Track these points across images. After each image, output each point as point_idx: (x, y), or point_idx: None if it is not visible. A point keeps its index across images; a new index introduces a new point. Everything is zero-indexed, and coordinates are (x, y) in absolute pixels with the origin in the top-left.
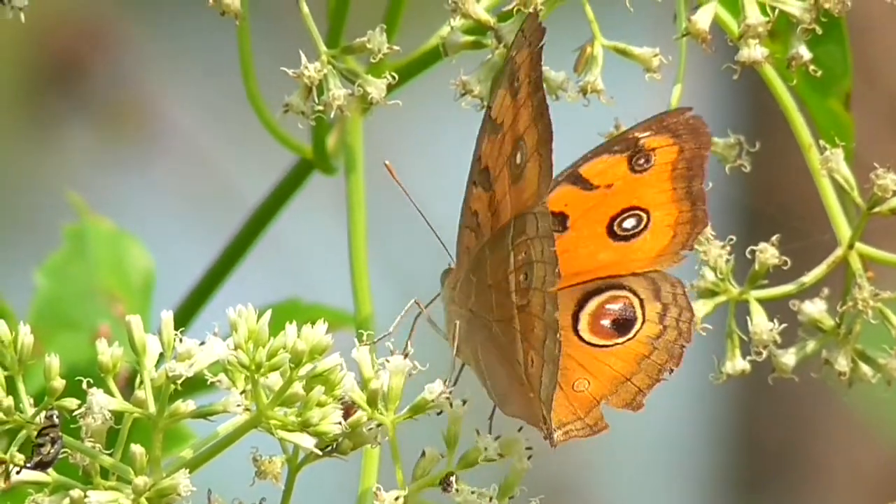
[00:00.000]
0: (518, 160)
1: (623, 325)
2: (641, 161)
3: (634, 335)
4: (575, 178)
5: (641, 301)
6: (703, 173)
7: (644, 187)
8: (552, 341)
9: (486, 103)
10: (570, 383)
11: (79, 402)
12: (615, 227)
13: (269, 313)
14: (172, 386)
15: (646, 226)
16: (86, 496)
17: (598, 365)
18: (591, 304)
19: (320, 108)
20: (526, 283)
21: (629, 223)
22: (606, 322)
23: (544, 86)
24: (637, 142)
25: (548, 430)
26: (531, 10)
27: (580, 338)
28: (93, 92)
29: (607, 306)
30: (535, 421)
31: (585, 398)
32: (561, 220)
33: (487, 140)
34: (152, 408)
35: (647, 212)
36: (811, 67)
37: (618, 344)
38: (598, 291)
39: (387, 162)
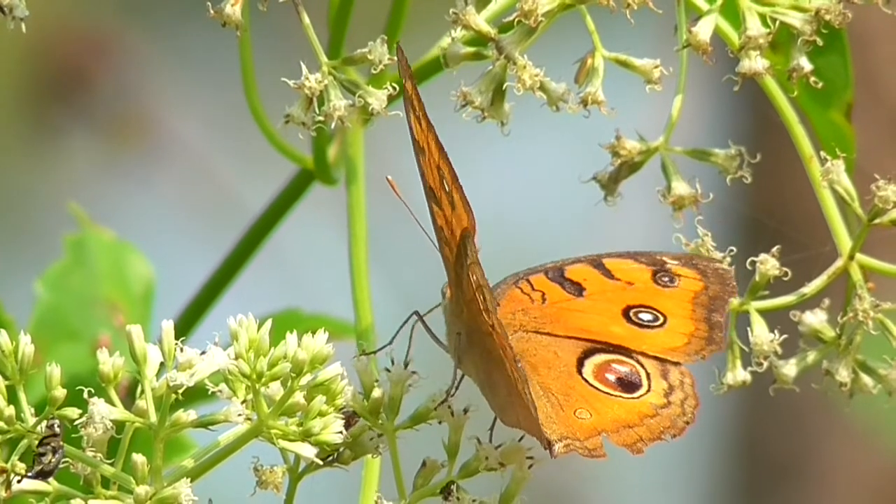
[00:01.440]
0: (446, 188)
1: (627, 385)
2: (666, 279)
3: (639, 397)
4: (597, 264)
5: (648, 374)
6: (725, 311)
7: (665, 298)
8: (513, 366)
9: (485, 114)
10: (573, 409)
11: (80, 411)
12: (631, 314)
13: (269, 323)
14: (173, 395)
15: (662, 325)
16: None
17: (601, 405)
18: (598, 358)
19: (321, 118)
20: (484, 304)
21: (645, 317)
22: (611, 377)
23: (524, 93)
24: (664, 264)
25: (546, 440)
26: (532, 22)
27: (584, 378)
28: (95, 103)
29: (614, 365)
30: (535, 432)
31: (586, 426)
32: (578, 288)
33: (421, 159)
34: (153, 417)
35: (665, 315)
36: (812, 79)
37: (622, 397)
38: (606, 352)
39: (388, 177)
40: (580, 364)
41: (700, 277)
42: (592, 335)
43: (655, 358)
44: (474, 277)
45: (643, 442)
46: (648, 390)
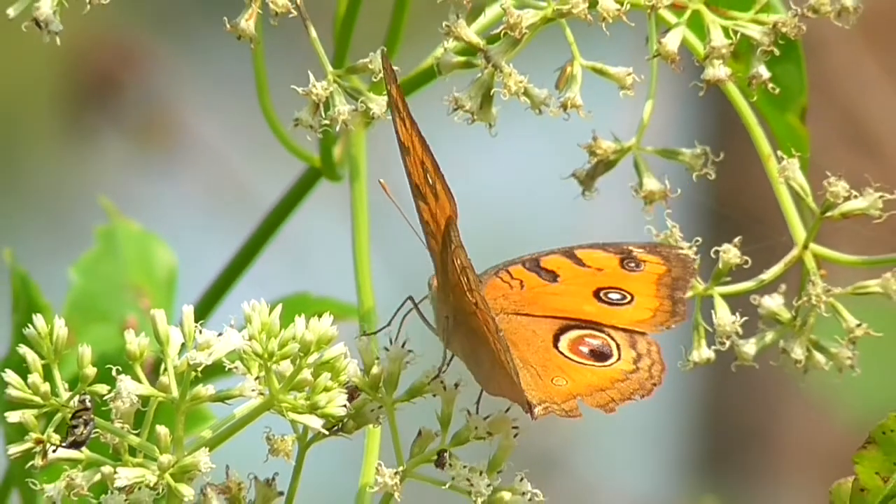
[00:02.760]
0: (430, 181)
1: (599, 356)
2: (632, 265)
3: (610, 366)
4: (569, 254)
5: (618, 345)
6: (687, 290)
7: (632, 280)
8: (497, 339)
9: (475, 117)
10: (550, 378)
11: (109, 387)
12: (601, 294)
13: (280, 307)
14: (193, 373)
15: (629, 302)
16: (115, 472)
17: (575, 373)
18: (573, 333)
19: (327, 122)
20: (468, 285)
21: (614, 296)
22: (585, 349)
23: (509, 98)
24: (630, 252)
25: (527, 404)
26: (517, 34)
27: (560, 352)
28: (125, 106)
29: (587, 339)
30: (517, 398)
31: (563, 391)
32: (553, 276)
33: (406, 158)
34: (175, 392)
35: (632, 294)
36: (770, 85)
37: (594, 365)
38: (580, 328)
39: (381, 180)
40: (556, 339)
41: (663, 262)
42: (566, 314)
43: (624, 330)
44: (458, 261)
45: (615, 402)
46: (619, 359)
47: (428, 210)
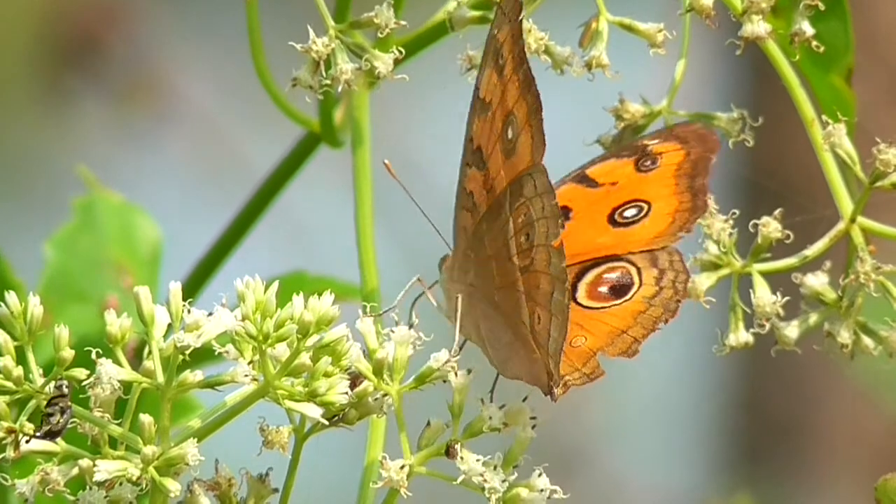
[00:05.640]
0: (510, 135)
1: (620, 290)
2: (648, 163)
3: (631, 297)
4: (581, 178)
5: (639, 269)
6: (708, 172)
7: (648, 184)
8: (560, 293)
9: None
10: (568, 340)
11: (88, 372)
12: (616, 216)
13: (276, 284)
14: (180, 356)
15: (646, 214)
16: (94, 465)
17: (594, 323)
18: (589, 276)
19: (328, 82)
20: (528, 243)
21: (630, 212)
22: (604, 289)
23: (528, 58)
24: (645, 147)
25: (553, 384)
26: None
27: (578, 303)
28: (107, 67)
29: (605, 276)
30: (537, 379)
31: (583, 351)
32: (564, 212)
33: (478, 120)
34: (161, 378)
35: (648, 203)
36: (814, 43)
37: (615, 305)
38: (596, 265)
39: (386, 161)
40: (573, 290)
41: (680, 146)
42: (581, 254)
43: (642, 252)
44: (542, 206)
45: (637, 342)
46: (640, 285)
47: (481, 178)
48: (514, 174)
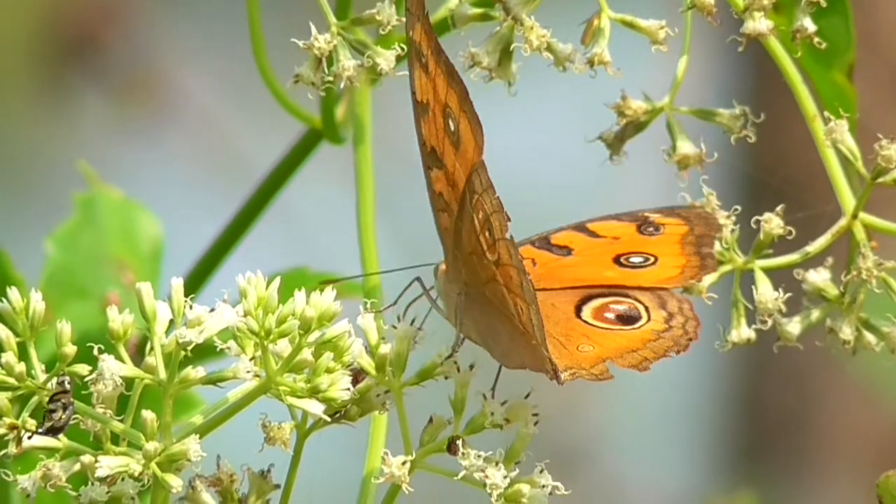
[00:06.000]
0: (451, 126)
1: (627, 319)
2: (651, 230)
3: (639, 328)
4: (581, 228)
5: (646, 307)
6: (713, 245)
7: (652, 245)
8: (525, 281)
9: (493, 75)
10: (575, 346)
11: (90, 368)
12: (622, 260)
13: (278, 280)
14: (182, 352)
15: (653, 264)
16: (96, 461)
17: (602, 338)
18: (595, 302)
19: (330, 78)
20: (491, 238)
21: (636, 259)
22: (611, 315)
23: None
24: (647, 218)
25: (552, 369)
26: None
27: (583, 321)
28: (106, 63)
29: (612, 305)
30: (540, 366)
31: (590, 356)
32: (566, 250)
33: (423, 122)
34: (163, 374)
35: (655, 257)
36: (815, 40)
37: (623, 329)
38: (603, 295)
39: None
40: (578, 310)
41: (683, 223)
42: (587, 282)
43: (651, 290)
44: (482, 211)
45: (648, 361)
46: (648, 320)
47: (443, 177)
48: (467, 163)
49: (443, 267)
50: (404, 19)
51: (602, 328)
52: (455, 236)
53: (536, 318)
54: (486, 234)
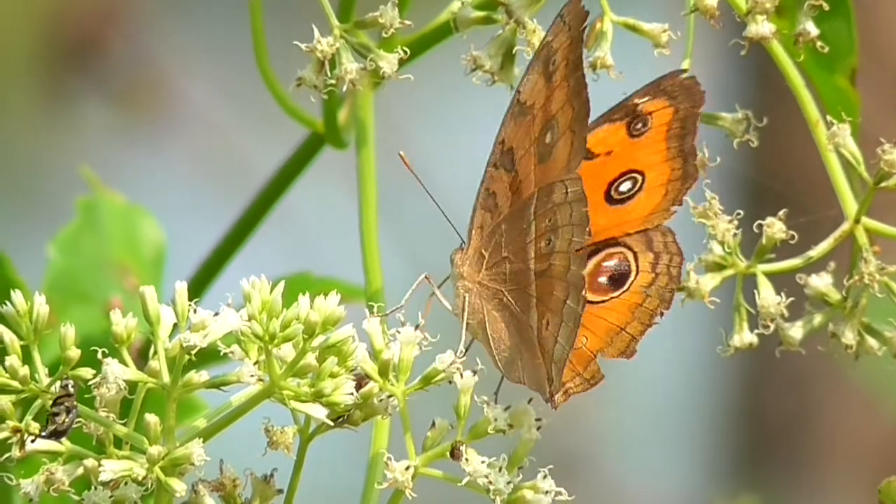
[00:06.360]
0: (548, 139)
1: (619, 279)
2: (639, 125)
3: (629, 287)
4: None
5: (635, 254)
6: (696, 130)
7: (640, 150)
8: (575, 301)
9: (495, 78)
10: None
11: (94, 372)
12: (612, 192)
13: (282, 285)
14: (186, 356)
15: (640, 187)
16: (100, 465)
17: (594, 320)
18: (589, 265)
19: (332, 81)
20: (548, 248)
21: (625, 186)
22: (603, 279)
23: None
24: (635, 107)
25: (554, 390)
26: None
27: None
28: (109, 68)
29: (604, 264)
30: (539, 385)
31: (583, 354)
32: None
33: (514, 122)
34: (166, 378)
35: (642, 174)
36: (818, 44)
37: (613, 298)
38: (595, 252)
39: (401, 152)
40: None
41: (669, 102)
42: None
43: (638, 233)
44: (571, 213)
45: (634, 340)
46: (637, 272)
47: (507, 179)
48: (545, 179)
49: (459, 257)
50: (550, 23)
51: (595, 303)
52: (489, 238)
53: (566, 341)
54: (544, 242)
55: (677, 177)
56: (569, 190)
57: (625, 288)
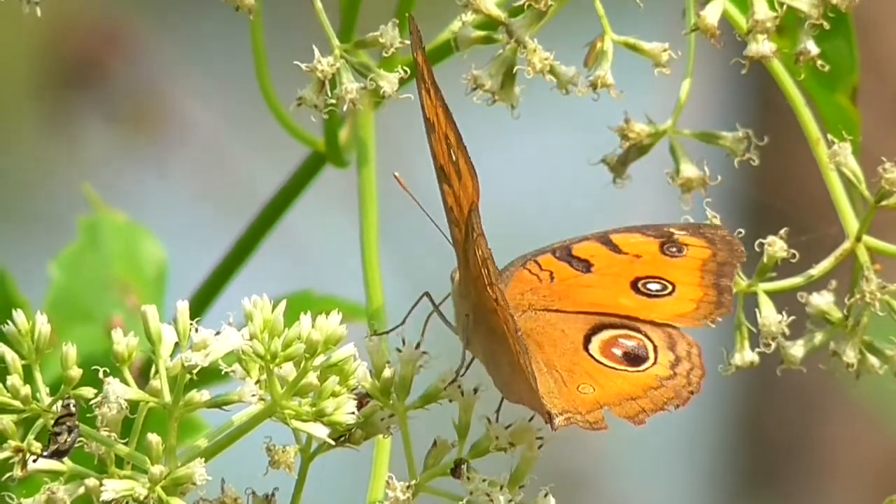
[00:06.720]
0: (453, 157)
1: (634, 359)
2: (673, 249)
3: (644, 370)
4: (605, 240)
5: (655, 347)
6: (733, 277)
7: (673, 268)
8: (514, 337)
9: (496, 98)
10: (576, 385)
11: (95, 391)
12: (639, 285)
13: (283, 304)
14: (188, 375)
15: (670, 293)
16: (101, 485)
17: (604, 379)
18: (605, 334)
19: (333, 101)
20: (489, 278)
21: (654, 287)
22: (618, 352)
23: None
24: (671, 235)
25: (547, 413)
26: (541, 6)
27: (590, 355)
28: (110, 89)
29: (621, 340)
30: (537, 406)
31: (589, 400)
32: (586, 265)
33: (433, 139)
34: (168, 397)
35: (673, 284)
36: (819, 62)
37: (626, 371)
38: (614, 326)
39: (396, 174)
40: (587, 341)
41: (707, 245)
42: (601, 308)
43: (664, 328)
44: (479, 251)
45: (645, 413)
46: (654, 363)
47: (452, 194)
48: (467, 197)
49: (457, 276)
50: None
51: (607, 367)
52: (464, 254)
53: (528, 368)
54: (485, 271)
55: (711, 301)
56: (475, 224)
57: (639, 369)
